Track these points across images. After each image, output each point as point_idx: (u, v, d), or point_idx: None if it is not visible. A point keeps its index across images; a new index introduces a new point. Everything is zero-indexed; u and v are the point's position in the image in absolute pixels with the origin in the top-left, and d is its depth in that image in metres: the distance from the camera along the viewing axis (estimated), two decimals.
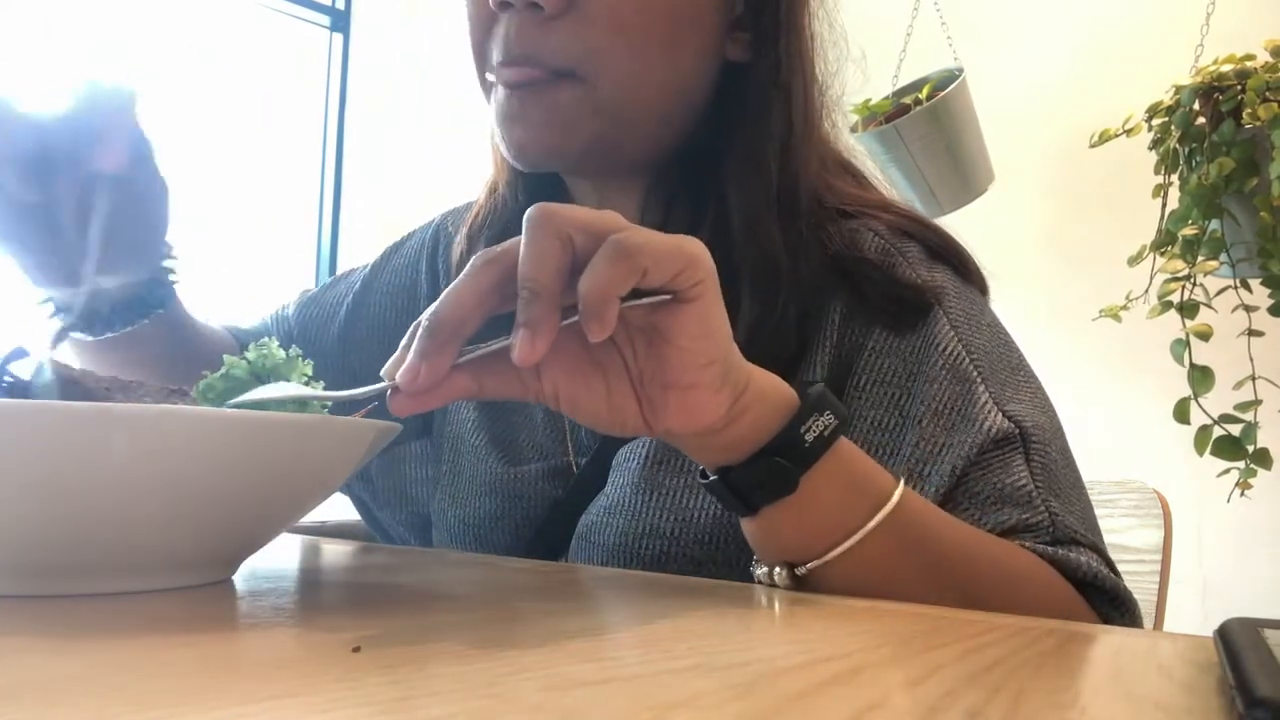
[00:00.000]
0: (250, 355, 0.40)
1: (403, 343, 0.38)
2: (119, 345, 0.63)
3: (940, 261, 0.60)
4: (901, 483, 0.46)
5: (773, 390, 0.44)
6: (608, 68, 0.56)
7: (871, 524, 0.44)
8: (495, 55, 0.57)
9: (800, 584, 0.46)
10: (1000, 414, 0.53)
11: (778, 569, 0.46)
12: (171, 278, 0.64)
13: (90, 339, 0.62)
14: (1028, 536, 0.51)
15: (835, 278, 0.58)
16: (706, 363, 0.40)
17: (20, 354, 0.39)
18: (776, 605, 0.40)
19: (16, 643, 0.27)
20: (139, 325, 0.62)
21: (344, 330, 0.77)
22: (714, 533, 0.55)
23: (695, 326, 0.39)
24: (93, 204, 0.51)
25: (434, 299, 0.71)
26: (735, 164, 0.60)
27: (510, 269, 0.37)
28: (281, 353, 0.41)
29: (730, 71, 0.62)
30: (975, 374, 0.55)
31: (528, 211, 0.37)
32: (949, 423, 0.53)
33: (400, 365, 0.37)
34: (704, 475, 0.46)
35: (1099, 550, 0.52)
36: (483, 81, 0.60)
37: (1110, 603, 0.51)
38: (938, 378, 0.54)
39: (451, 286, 0.37)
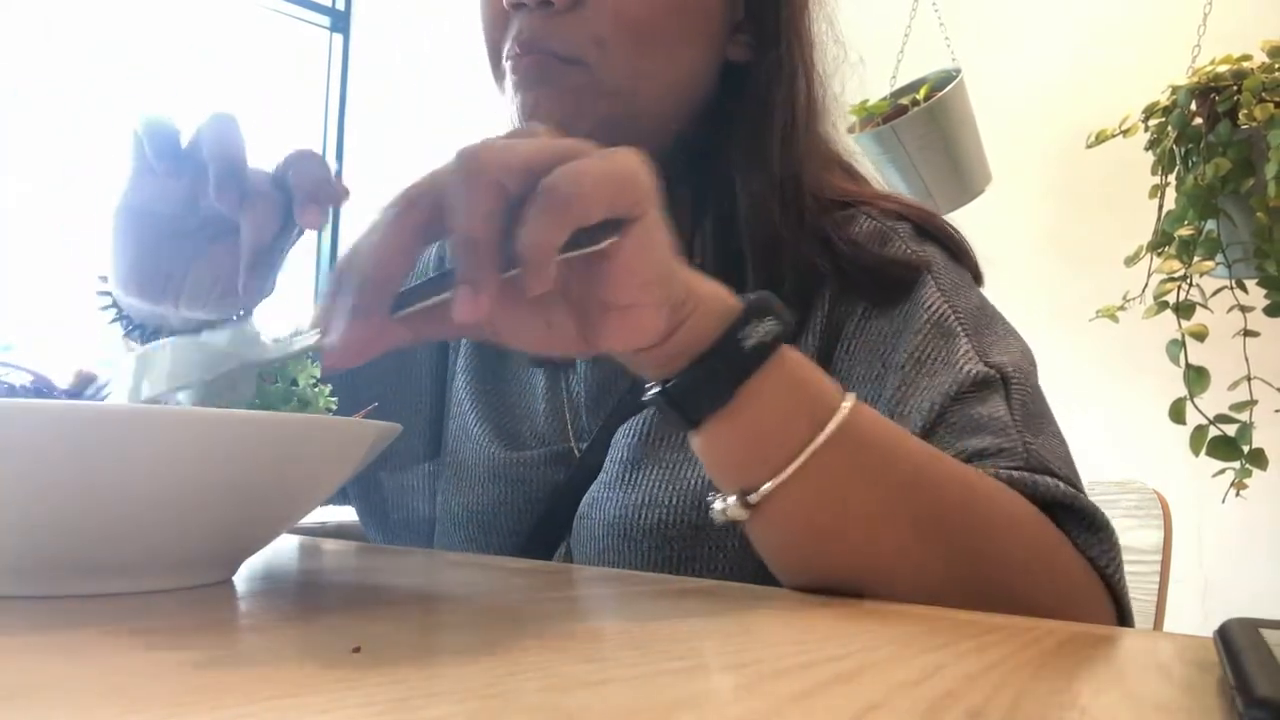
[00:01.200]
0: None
1: (326, 291, 0.35)
2: None
3: (930, 240, 0.61)
4: (851, 396, 0.44)
5: (713, 298, 0.43)
6: (612, 59, 0.58)
7: (821, 438, 0.42)
8: (508, 50, 0.60)
9: (757, 515, 0.44)
10: (982, 362, 0.54)
11: (732, 500, 0.44)
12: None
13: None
14: (1001, 460, 0.49)
15: (826, 259, 0.60)
16: (647, 281, 0.39)
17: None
18: (776, 605, 0.40)
19: (16, 643, 0.27)
20: None
21: None
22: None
23: (633, 244, 0.38)
24: (232, 246, 0.50)
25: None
26: (739, 157, 0.62)
27: (433, 210, 0.35)
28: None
29: (732, 72, 0.64)
30: (959, 329, 0.55)
31: (455, 155, 0.35)
32: (930, 369, 0.54)
33: (327, 316, 0.35)
34: (646, 392, 0.45)
35: (1074, 485, 0.51)
36: (497, 76, 0.62)
37: (1086, 527, 0.48)
38: (921, 329, 0.56)
39: (372, 234, 0.35)
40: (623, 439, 0.61)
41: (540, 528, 0.63)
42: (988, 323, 0.58)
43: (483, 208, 0.34)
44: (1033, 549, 0.47)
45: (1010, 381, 0.53)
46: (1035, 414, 0.53)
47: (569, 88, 0.58)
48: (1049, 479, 0.48)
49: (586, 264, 0.38)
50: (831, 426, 0.42)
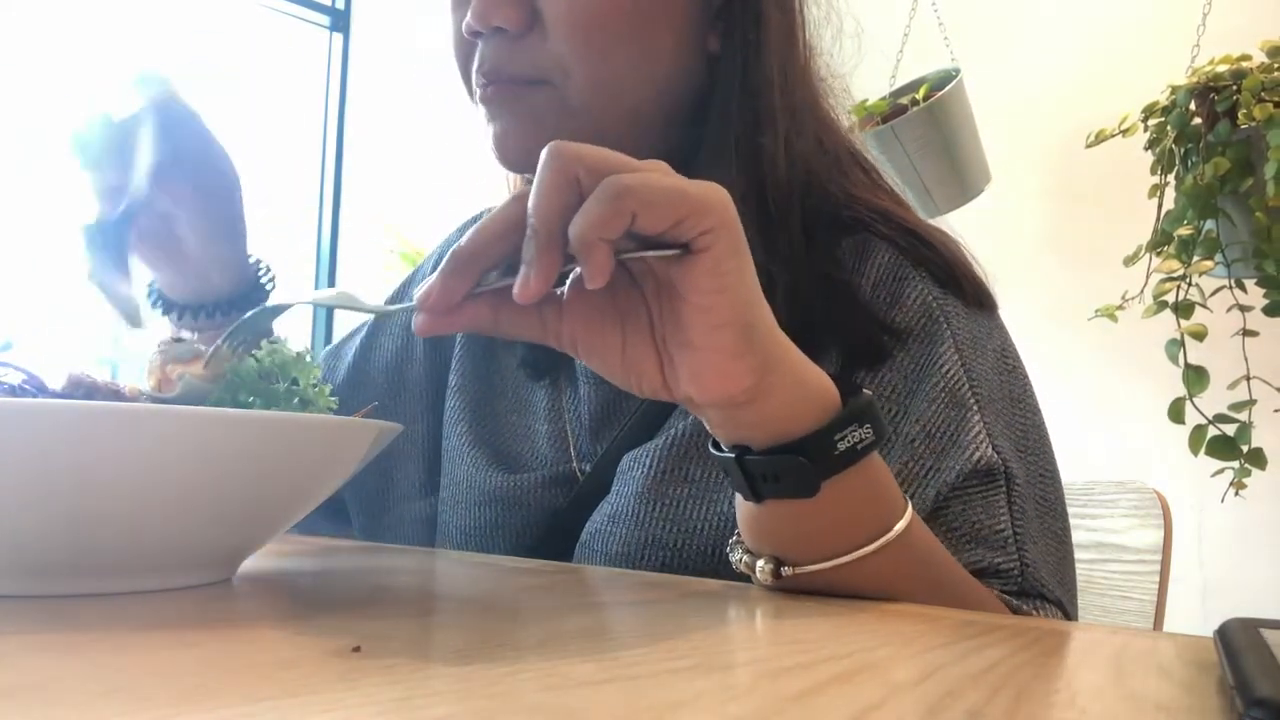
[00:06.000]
0: (260, 354, 0.41)
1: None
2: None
3: (951, 286, 0.58)
4: (910, 508, 0.45)
5: (814, 380, 0.41)
6: (575, 74, 0.57)
7: (873, 546, 0.43)
8: (475, 79, 0.59)
9: (778, 582, 0.44)
10: (990, 446, 0.52)
11: (761, 563, 0.44)
12: (268, 285, 0.66)
13: (193, 328, 0.65)
14: (995, 582, 0.50)
15: (821, 303, 0.56)
16: (720, 323, 0.38)
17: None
18: (777, 606, 0.40)
19: (16, 643, 0.27)
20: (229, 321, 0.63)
21: (350, 372, 0.77)
22: (716, 546, 0.54)
23: (704, 281, 0.37)
24: (169, 194, 0.58)
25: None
26: (707, 158, 0.59)
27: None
28: (293, 351, 0.41)
29: (714, 65, 0.60)
30: (972, 400, 0.54)
31: (545, 150, 0.36)
32: (939, 446, 0.52)
33: (426, 290, 0.37)
34: (717, 447, 0.43)
35: (1063, 607, 0.52)
36: (473, 103, 0.62)
37: None
38: (936, 399, 0.53)
39: (480, 222, 0.37)
40: (629, 469, 0.58)
41: (538, 551, 0.62)
42: (1002, 387, 0.56)
43: (550, 192, 0.36)
44: None
45: (1014, 478, 0.52)
46: (1038, 516, 0.53)
47: (534, 110, 0.57)
48: (1039, 611, 0.50)
49: (668, 300, 0.39)
50: (886, 538, 0.43)
